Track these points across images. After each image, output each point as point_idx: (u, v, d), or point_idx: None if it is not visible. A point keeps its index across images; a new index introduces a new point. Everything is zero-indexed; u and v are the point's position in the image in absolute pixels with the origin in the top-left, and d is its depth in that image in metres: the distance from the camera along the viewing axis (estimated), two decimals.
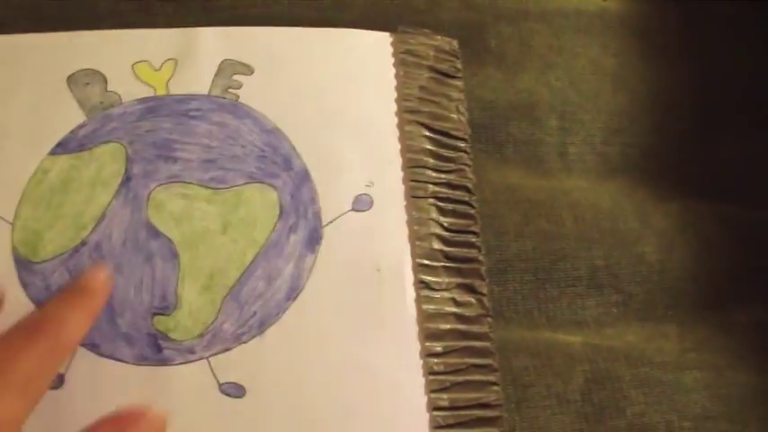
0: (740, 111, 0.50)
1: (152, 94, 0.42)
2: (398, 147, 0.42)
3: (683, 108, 0.49)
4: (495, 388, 0.39)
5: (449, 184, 0.42)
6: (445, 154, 0.42)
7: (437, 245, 0.40)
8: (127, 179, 0.40)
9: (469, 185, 0.42)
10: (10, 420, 0.29)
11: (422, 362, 0.38)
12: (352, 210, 0.40)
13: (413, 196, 0.41)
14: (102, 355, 0.37)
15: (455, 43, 0.46)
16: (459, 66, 0.45)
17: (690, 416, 0.41)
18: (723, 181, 0.48)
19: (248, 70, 0.43)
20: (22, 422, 0.30)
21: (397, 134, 0.42)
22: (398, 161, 0.42)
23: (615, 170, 0.47)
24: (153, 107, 0.42)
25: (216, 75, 0.43)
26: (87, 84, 0.42)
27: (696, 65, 0.51)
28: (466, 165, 0.43)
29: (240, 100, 0.43)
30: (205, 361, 0.37)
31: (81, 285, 0.36)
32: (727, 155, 0.48)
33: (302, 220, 0.40)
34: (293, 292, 0.39)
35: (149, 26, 0.44)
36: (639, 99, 0.49)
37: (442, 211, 0.41)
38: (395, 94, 0.43)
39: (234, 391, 0.37)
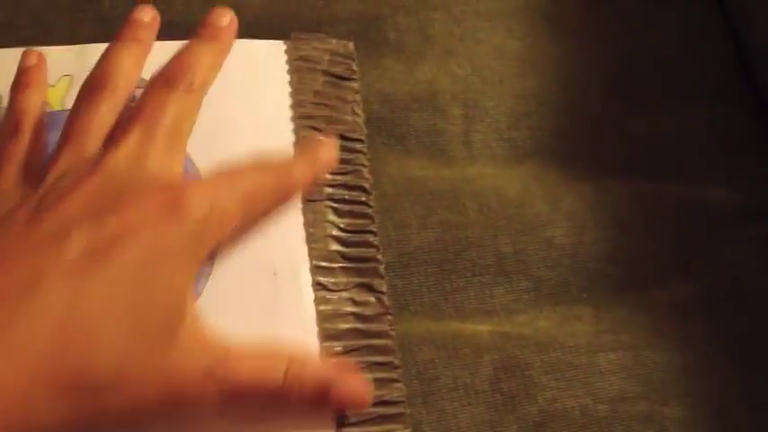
0: (651, 88, 0.49)
1: (48, 110, 0.42)
2: (293, 152, 0.42)
3: (594, 88, 0.49)
4: (398, 385, 0.39)
5: (345, 186, 0.42)
6: (341, 156, 0.42)
7: (334, 246, 0.40)
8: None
9: (366, 185, 0.42)
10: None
11: None
12: None
13: (308, 199, 0.41)
14: None
15: (350, 45, 0.46)
16: (355, 68, 0.45)
17: (605, 398, 0.41)
18: (637, 159, 0.47)
19: (142, 83, 0.43)
20: None
21: (293, 140, 0.42)
22: None
23: (525, 155, 0.46)
24: (47, 123, 0.42)
25: None
26: None
27: (605, 43, 0.50)
28: (362, 165, 0.42)
29: None
30: None
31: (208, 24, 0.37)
32: (641, 132, 0.48)
33: None
34: None
35: (45, 42, 0.44)
36: (548, 81, 0.48)
37: (339, 213, 0.41)
38: (290, 101, 0.43)
39: None
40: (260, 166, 0.33)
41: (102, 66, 0.36)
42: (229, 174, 0.32)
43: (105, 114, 0.34)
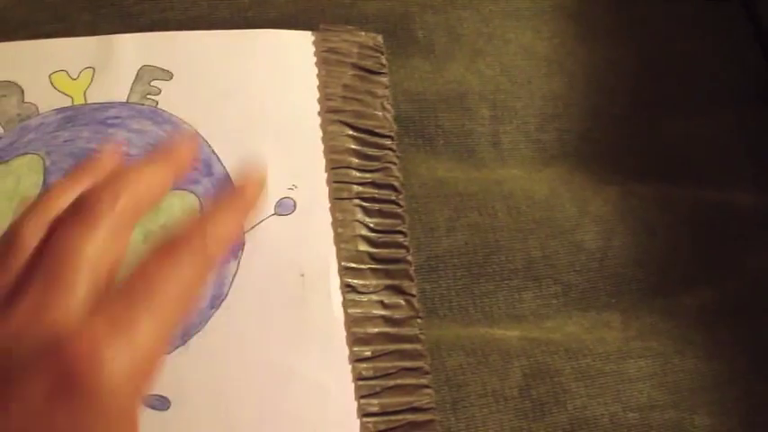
0: (679, 90, 0.49)
1: (70, 104, 0.41)
2: (321, 148, 0.41)
3: (621, 90, 0.48)
4: (428, 391, 0.38)
5: (374, 184, 0.41)
6: (370, 153, 0.41)
7: (363, 246, 0.39)
8: (45, 191, 0.39)
9: (396, 184, 0.41)
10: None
11: (350, 367, 0.37)
12: (275, 214, 0.39)
13: (336, 198, 0.40)
14: None
15: (379, 38, 0.45)
16: (384, 61, 0.44)
17: (635, 406, 0.40)
18: (664, 163, 0.47)
19: (167, 76, 0.42)
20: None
21: (320, 135, 0.41)
22: (322, 163, 0.41)
23: (552, 157, 0.45)
24: (71, 117, 0.41)
25: (134, 81, 0.42)
26: (3, 96, 0.41)
27: (633, 45, 0.49)
28: (392, 162, 0.41)
29: (159, 106, 0.42)
30: None
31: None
32: (668, 136, 0.47)
33: None
34: (216, 300, 0.38)
35: (66, 35, 0.43)
36: (575, 82, 0.47)
37: (368, 212, 0.40)
38: (317, 94, 0.42)
39: (158, 403, 0.36)
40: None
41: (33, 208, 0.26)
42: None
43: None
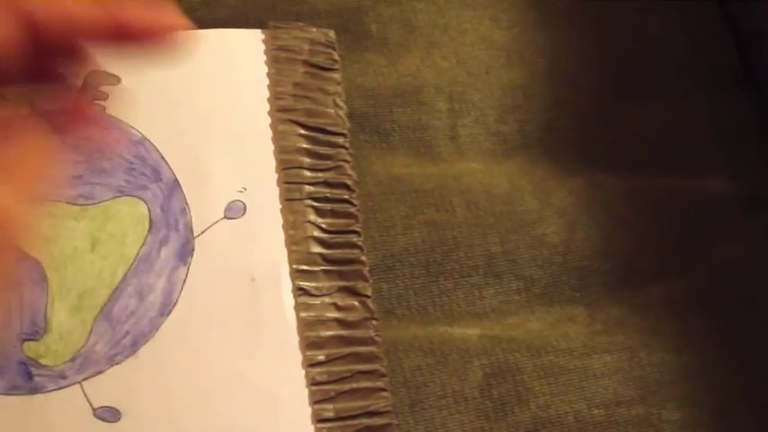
0: (644, 77, 0.47)
1: None
2: (272, 148, 0.40)
3: (585, 78, 0.47)
4: (384, 394, 0.37)
5: (327, 183, 0.40)
6: (322, 151, 0.40)
7: (315, 248, 0.39)
8: None
9: (349, 182, 0.40)
10: None
11: (304, 372, 0.37)
12: (225, 218, 0.39)
13: (287, 199, 0.39)
14: None
15: (331, 34, 0.44)
16: (337, 57, 0.43)
17: (600, 402, 0.39)
18: (631, 151, 0.46)
19: (114, 80, 0.41)
20: None
21: (271, 135, 0.40)
22: (272, 163, 0.40)
23: (513, 149, 0.44)
24: None
25: (80, 87, 0.41)
26: None
27: (596, 31, 0.48)
28: (345, 161, 0.41)
29: (106, 111, 0.41)
30: (78, 386, 0.36)
31: None
32: (635, 124, 0.46)
33: (173, 232, 0.38)
34: (166, 308, 0.37)
35: None
36: (536, 72, 0.46)
37: (320, 212, 0.39)
38: (268, 94, 0.41)
39: (109, 415, 0.35)
40: None
41: None
42: None
43: None
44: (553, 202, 0.43)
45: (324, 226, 0.39)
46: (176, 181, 0.39)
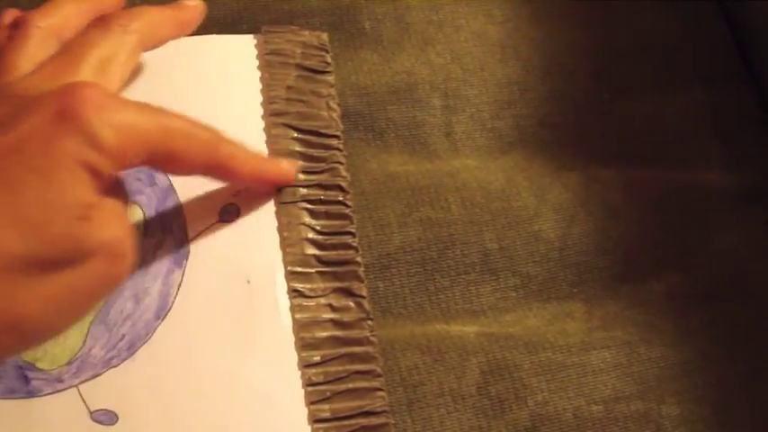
0: (640, 70, 0.47)
1: None
2: (266, 152, 0.40)
3: (581, 72, 0.47)
4: (380, 393, 0.37)
5: (320, 185, 0.40)
6: (315, 154, 0.40)
7: (310, 250, 0.39)
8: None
9: (343, 184, 0.40)
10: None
11: (299, 373, 0.37)
12: (219, 221, 0.39)
13: (282, 202, 0.39)
14: None
15: (324, 36, 0.44)
16: (329, 60, 0.43)
17: (599, 399, 0.39)
18: (628, 145, 0.45)
19: None
20: None
21: (265, 138, 0.40)
22: None
23: (509, 145, 0.44)
24: None
25: None
26: None
27: (592, 25, 0.48)
28: (339, 162, 0.41)
29: None
30: (75, 389, 0.36)
31: None
32: (632, 117, 0.46)
33: (168, 235, 0.38)
34: (162, 311, 0.37)
35: None
36: (531, 67, 0.46)
37: (314, 214, 0.39)
38: (261, 98, 0.41)
39: (105, 418, 0.36)
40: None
41: (44, 6, 0.35)
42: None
43: (34, 49, 0.33)
44: (549, 198, 0.43)
45: (318, 228, 0.39)
46: (171, 185, 0.39)
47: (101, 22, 0.34)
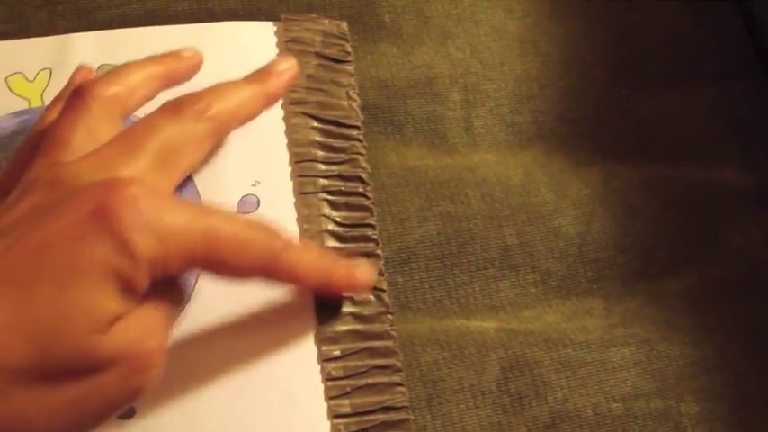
0: (659, 67, 0.47)
1: (27, 107, 0.40)
2: (285, 141, 0.40)
3: (600, 68, 0.46)
4: (400, 389, 0.37)
5: (340, 176, 0.39)
6: (335, 144, 0.40)
7: (330, 242, 0.38)
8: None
9: (363, 175, 0.40)
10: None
11: (319, 367, 0.36)
12: (238, 212, 0.38)
13: (301, 193, 0.38)
14: None
15: (344, 25, 0.43)
16: (349, 49, 0.43)
17: (619, 396, 0.39)
18: (646, 141, 0.45)
19: None
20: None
21: (284, 128, 0.40)
22: (285, 157, 0.39)
23: (528, 140, 0.44)
24: (28, 120, 0.40)
25: None
26: None
27: (610, 21, 0.48)
28: (359, 154, 0.40)
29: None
30: None
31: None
32: (650, 113, 0.46)
33: None
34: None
35: (22, 34, 0.42)
36: (550, 62, 0.46)
37: (334, 206, 0.39)
38: None
39: (122, 411, 0.35)
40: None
41: (108, 73, 0.32)
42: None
43: (94, 123, 0.30)
44: (569, 194, 0.42)
45: (338, 219, 0.39)
46: (189, 176, 0.39)
47: (172, 106, 0.31)
